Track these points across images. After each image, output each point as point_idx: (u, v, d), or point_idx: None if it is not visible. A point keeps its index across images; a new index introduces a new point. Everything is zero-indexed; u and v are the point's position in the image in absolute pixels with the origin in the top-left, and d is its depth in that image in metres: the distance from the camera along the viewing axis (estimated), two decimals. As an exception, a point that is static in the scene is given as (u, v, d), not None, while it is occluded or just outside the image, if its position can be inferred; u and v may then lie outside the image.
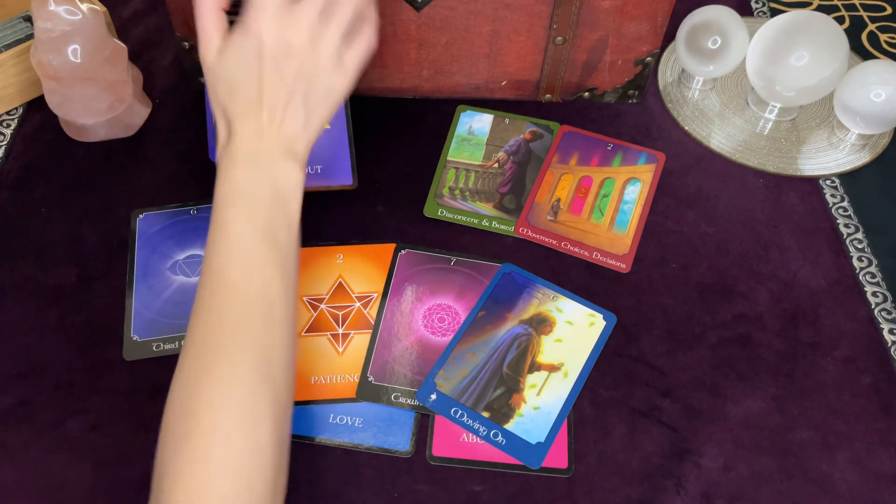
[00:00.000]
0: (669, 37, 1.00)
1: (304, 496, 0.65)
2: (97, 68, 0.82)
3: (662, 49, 1.00)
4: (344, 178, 0.82)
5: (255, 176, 0.58)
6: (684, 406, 0.71)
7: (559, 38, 0.86)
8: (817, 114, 0.94)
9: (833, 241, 0.82)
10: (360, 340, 0.74)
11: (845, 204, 0.86)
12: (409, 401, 0.70)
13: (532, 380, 0.71)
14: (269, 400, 0.53)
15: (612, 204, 0.84)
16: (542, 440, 0.67)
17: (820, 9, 1.08)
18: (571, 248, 0.81)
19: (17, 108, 0.92)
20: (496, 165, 0.87)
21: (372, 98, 0.94)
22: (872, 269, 0.80)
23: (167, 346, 0.73)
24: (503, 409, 0.69)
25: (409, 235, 0.82)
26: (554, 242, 0.81)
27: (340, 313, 0.75)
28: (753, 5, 1.07)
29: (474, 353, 0.72)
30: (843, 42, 0.84)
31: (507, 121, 0.92)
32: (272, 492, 0.52)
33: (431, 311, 0.75)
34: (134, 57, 0.97)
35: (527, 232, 0.82)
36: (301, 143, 0.60)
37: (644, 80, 0.92)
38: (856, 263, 0.81)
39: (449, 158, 0.88)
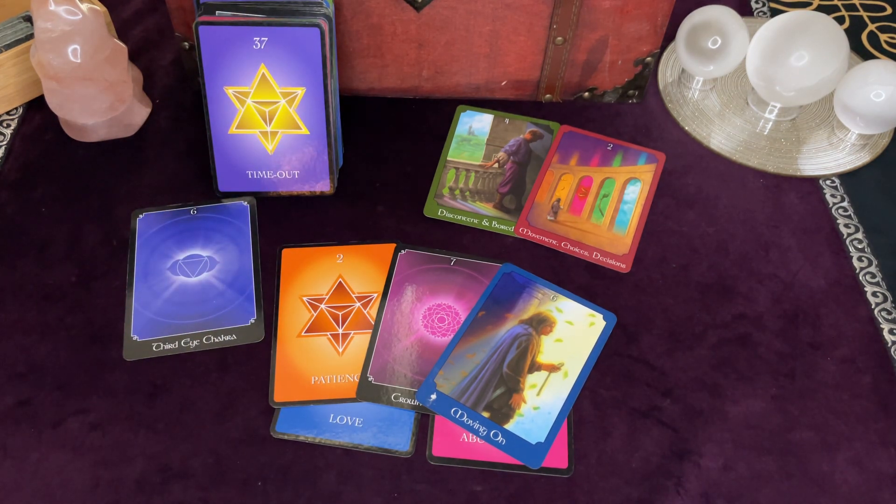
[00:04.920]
0: (669, 37, 1.00)
1: (304, 496, 0.65)
2: (97, 68, 0.82)
3: (662, 49, 1.00)
4: (321, 183, 0.82)
5: None
6: (684, 406, 0.71)
7: (559, 38, 0.86)
8: (817, 114, 0.94)
9: (833, 241, 0.82)
10: (360, 340, 0.74)
11: (845, 204, 0.86)
12: (409, 401, 0.70)
13: (532, 380, 0.71)
14: None
15: (612, 204, 0.84)
16: (542, 440, 0.67)
17: (820, 9, 1.08)
18: (571, 248, 0.81)
19: (17, 108, 0.92)
20: (496, 165, 0.87)
21: (372, 98, 0.94)
22: (872, 269, 0.80)
23: (167, 346, 0.73)
24: (503, 409, 0.69)
25: (409, 235, 0.82)
26: (554, 242, 0.81)
27: (340, 313, 0.75)
28: (753, 5, 1.07)
29: (474, 353, 0.72)
30: (843, 42, 0.84)
31: (507, 121, 0.92)
32: None
33: (431, 311, 0.75)
34: (134, 57, 0.97)
35: (527, 232, 0.82)
36: None
37: (644, 80, 0.92)
38: (856, 263, 0.81)
39: (449, 158, 0.88)
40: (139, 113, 0.90)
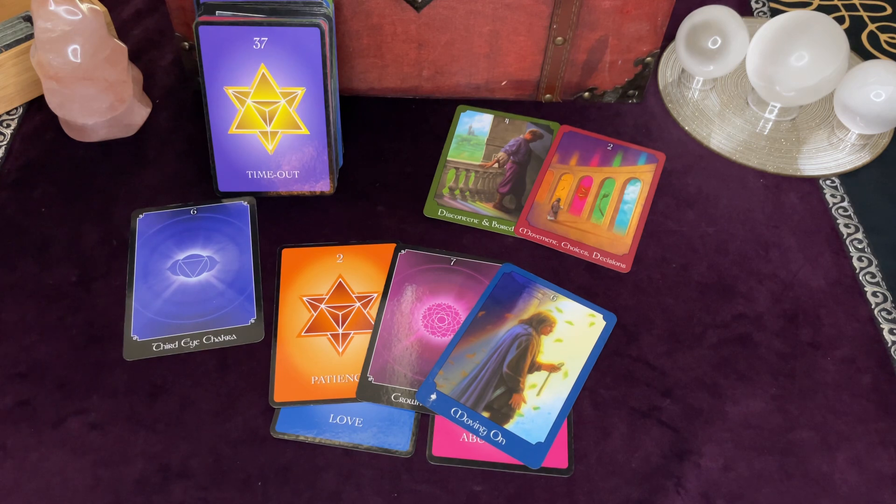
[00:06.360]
0: (669, 37, 1.00)
1: (304, 496, 0.65)
2: (97, 68, 0.82)
3: (662, 49, 1.00)
4: (321, 183, 0.82)
5: None
6: (684, 406, 0.71)
7: (559, 38, 0.86)
8: (817, 114, 0.94)
9: (833, 241, 0.82)
10: (360, 340, 0.74)
11: (845, 204, 0.86)
12: (409, 401, 0.70)
13: (532, 380, 0.71)
14: None
15: (612, 204, 0.84)
16: (542, 440, 0.67)
17: (820, 9, 1.08)
18: (571, 248, 0.81)
19: (17, 108, 0.92)
20: (496, 165, 0.87)
21: (372, 98, 0.94)
22: (872, 269, 0.80)
23: (167, 346, 0.73)
24: (503, 409, 0.69)
25: (409, 235, 0.82)
26: (554, 242, 0.81)
27: (340, 313, 0.75)
28: (753, 5, 1.07)
29: (474, 353, 0.72)
30: (843, 42, 0.84)
31: (507, 121, 0.92)
32: None
33: (431, 311, 0.75)
34: (134, 57, 0.97)
35: (527, 232, 0.82)
36: None
37: (644, 80, 0.92)
38: (856, 263, 0.81)
39: (449, 158, 0.88)
40: (139, 113, 0.90)
